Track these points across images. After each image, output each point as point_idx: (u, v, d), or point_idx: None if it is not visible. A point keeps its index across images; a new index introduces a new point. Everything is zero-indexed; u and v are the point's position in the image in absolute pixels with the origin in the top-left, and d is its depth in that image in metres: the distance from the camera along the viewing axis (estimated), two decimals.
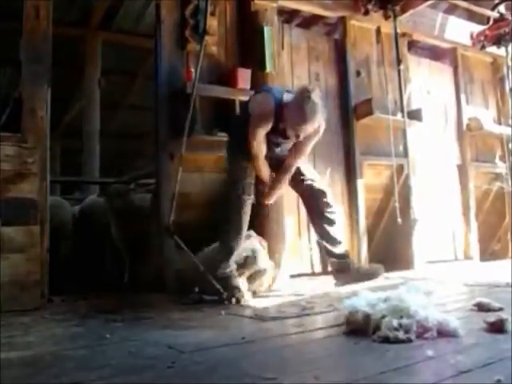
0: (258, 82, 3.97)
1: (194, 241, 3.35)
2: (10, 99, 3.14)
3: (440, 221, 5.46)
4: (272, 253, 3.89)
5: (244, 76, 3.88)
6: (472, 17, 6.03)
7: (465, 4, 5.93)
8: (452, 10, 5.96)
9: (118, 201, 4.07)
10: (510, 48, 5.73)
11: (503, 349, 1.70)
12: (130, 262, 4.15)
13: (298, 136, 3.01)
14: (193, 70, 3.60)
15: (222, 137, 3.80)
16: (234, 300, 3.04)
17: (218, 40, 4.00)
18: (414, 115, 4.98)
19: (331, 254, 3.35)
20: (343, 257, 3.34)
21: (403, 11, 4.88)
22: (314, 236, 4.45)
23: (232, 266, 3.17)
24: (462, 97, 5.88)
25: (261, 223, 3.90)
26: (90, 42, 7.81)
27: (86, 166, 7.87)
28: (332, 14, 4.90)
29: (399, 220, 4.59)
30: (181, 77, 3.73)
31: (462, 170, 5.77)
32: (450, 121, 5.80)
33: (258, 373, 1.55)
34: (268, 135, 3.08)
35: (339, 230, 3.45)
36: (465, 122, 5.81)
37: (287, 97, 3.05)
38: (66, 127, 9.61)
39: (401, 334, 1.86)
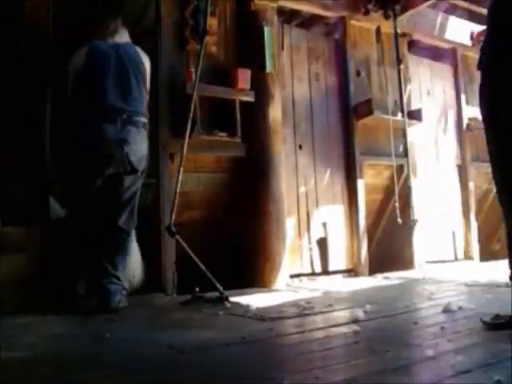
0: (258, 83, 3.98)
1: (194, 240, 3.36)
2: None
3: (440, 221, 5.46)
4: (272, 253, 3.91)
5: (244, 76, 3.88)
6: (472, 17, 6.02)
7: (465, 4, 5.92)
8: (452, 9, 5.95)
9: None
10: None
11: (503, 349, 1.69)
12: None
13: None
14: (193, 70, 3.60)
15: (222, 136, 3.81)
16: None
17: (217, 40, 3.99)
18: (414, 115, 4.98)
19: None
20: None
21: (403, 11, 4.88)
22: (315, 236, 4.48)
23: None
24: (462, 97, 5.87)
25: (261, 223, 3.92)
26: None
27: None
28: (332, 14, 4.90)
29: (399, 220, 4.59)
30: (181, 77, 3.73)
31: (462, 169, 5.76)
32: (450, 121, 5.80)
33: (257, 373, 1.56)
34: None
35: None
36: (465, 121, 5.80)
37: None
38: None
39: None
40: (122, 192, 2.98)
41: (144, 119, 3.01)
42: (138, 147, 2.95)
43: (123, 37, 3.13)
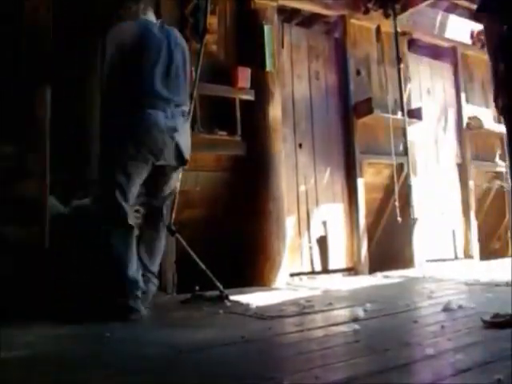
0: (258, 81, 3.98)
1: (194, 239, 3.36)
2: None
3: (440, 219, 5.46)
4: (272, 252, 3.91)
5: (244, 75, 3.88)
6: (472, 15, 6.02)
7: (465, 3, 5.91)
8: (452, 8, 5.94)
9: None
10: None
11: (503, 348, 1.69)
12: None
13: None
14: (193, 68, 3.59)
15: (222, 135, 3.81)
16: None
17: (218, 39, 4.00)
18: (414, 114, 4.98)
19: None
20: None
21: (403, 10, 4.89)
22: (315, 235, 4.48)
23: None
24: (462, 95, 5.87)
25: (261, 222, 3.92)
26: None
27: None
28: (332, 13, 4.90)
29: (399, 219, 4.59)
30: None
31: (462, 168, 5.76)
32: (450, 119, 5.79)
33: (257, 372, 1.56)
34: None
35: None
36: (465, 120, 5.80)
37: None
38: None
39: None
40: (165, 185, 2.85)
41: (187, 109, 2.90)
42: (186, 137, 2.82)
43: (151, 16, 2.96)
